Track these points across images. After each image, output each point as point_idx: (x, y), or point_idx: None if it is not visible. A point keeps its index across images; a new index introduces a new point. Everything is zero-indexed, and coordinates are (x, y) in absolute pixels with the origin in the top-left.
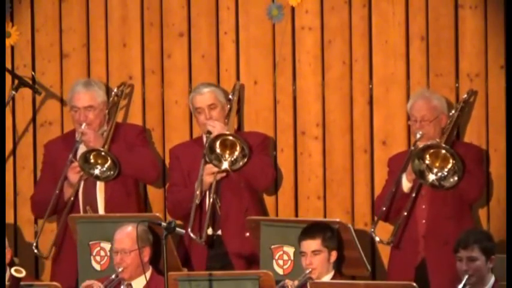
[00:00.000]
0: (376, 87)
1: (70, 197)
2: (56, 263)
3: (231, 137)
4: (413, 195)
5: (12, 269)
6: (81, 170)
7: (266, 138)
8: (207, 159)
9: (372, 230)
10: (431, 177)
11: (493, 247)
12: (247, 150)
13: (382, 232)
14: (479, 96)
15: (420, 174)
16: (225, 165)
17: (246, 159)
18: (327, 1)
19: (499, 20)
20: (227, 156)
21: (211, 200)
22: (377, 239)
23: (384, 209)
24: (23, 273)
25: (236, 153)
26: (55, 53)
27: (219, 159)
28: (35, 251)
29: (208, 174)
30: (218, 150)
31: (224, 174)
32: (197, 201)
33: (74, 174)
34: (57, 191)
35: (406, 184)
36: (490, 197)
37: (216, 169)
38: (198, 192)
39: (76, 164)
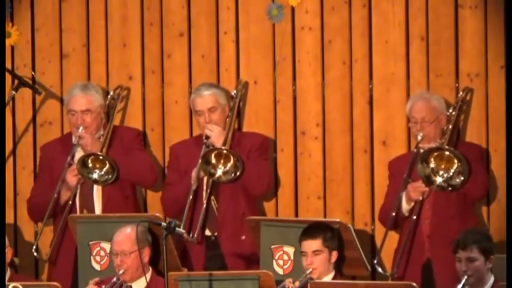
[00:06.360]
0: (376, 87)
1: (67, 201)
2: (53, 264)
3: (225, 151)
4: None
5: (10, 286)
6: (80, 174)
7: (265, 141)
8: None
9: (375, 261)
10: (438, 179)
11: (491, 247)
12: (240, 165)
13: (389, 237)
14: (479, 96)
15: (427, 179)
16: (219, 172)
17: (238, 173)
18: (327, 1)
19: (499, 20)
20: (221, 166)
21: (205, 201)
22: (379, 269)
23: (394, 214)
24: None
25: (229, 164)
26: (55, 53)
27: (211, 173)
28: (35, 254)
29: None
30: (213, 161)
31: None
32: (191, 194)
33: (72, 177)
34: (55, 195)
35: (405, 207)
36: (490, 197)
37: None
38: (194, 178)
39: (74, 166)
